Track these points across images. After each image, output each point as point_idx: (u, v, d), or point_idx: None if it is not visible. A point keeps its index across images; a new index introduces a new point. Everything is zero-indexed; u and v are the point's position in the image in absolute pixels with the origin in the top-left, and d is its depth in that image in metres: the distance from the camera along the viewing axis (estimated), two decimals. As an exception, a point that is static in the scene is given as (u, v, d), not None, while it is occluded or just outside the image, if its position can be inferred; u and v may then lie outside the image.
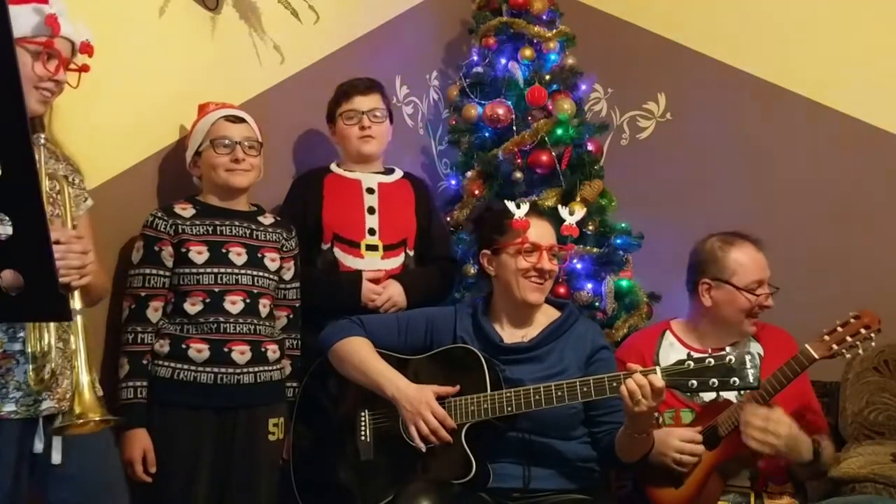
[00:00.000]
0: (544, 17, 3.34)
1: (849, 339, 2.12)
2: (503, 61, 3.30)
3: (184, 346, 2.20)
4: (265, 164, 2.79)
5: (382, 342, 2.30)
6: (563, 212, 2.50)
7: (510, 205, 2.30)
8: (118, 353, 2.20)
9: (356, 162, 2.75)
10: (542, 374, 2.19)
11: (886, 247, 3.21)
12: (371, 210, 2.68)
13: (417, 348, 2.31)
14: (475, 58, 3.40)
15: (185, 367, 2.19)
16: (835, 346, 2.12)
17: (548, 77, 3.25)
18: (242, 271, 2.28)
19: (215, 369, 2.20)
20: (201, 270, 2.24)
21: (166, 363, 2.20)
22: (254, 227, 2.35)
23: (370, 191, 2.71)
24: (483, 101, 3.28)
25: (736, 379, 1.87)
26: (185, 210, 2.30)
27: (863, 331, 2.12)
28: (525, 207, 2.30)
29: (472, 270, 3.16)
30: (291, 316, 2.44)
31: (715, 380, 1.89)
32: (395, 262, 2.69)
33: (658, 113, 3.73)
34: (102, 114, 2.28)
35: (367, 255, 2.64)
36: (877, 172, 3.27)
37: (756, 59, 3.50)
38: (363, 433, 2.25)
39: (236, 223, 2.32)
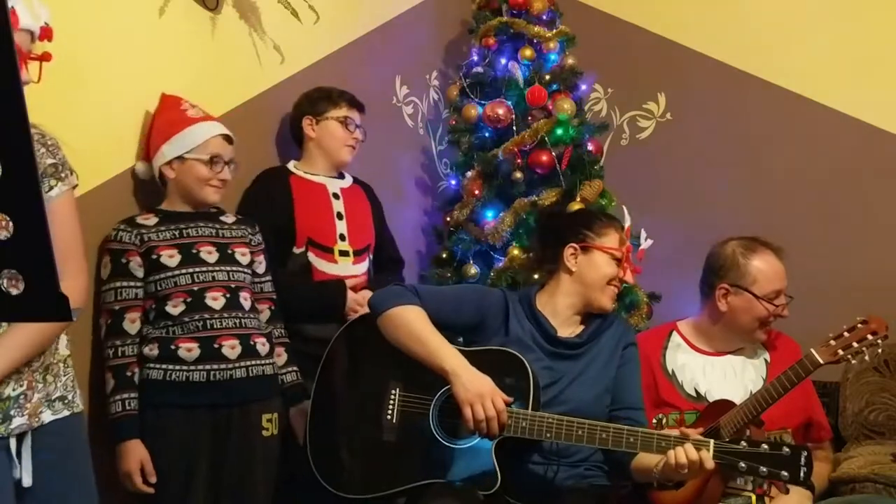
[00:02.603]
0: (544, 17, 3.35)
1: (855, 344, 2.11)
2: (503, 61, 3.31)
3: (173, 346, 2.18)
4: (265, 165, 2.80)
5: (434, 314, 2.21)
6: (642, 235, 2.57)
7: (624, 210, 2.33)
8: (102, 369, 2.17)
9: (330, 166, 2.77)
10: (580, 368, 2.20)
11: (886, 247, 3.21)
12: (339, 216, 2.71)
13: (467, 326, 2.26)
14: (475, 58, 3.41)
15: (177, 367, 2.18)
16: (840, 352, 2.11)
17: (548, 77, 3.25)
18: (217, 268, 2.26)
19: (207, 366, 2.19)
20: (176, 272, 2.21)
21: (157, 365, 2.18)
22: (218, 226, 2.34)
23: (335, 196, 2.74)
24: (483, 101, 3.28)
25: (786, 473, 1.83)
26: (148, 220, 2.26)
27: (870, 337, 2.11)
28: (629, 217, 2.32)
29: (474, 270, 3.16)
30: (273, 307, 2.43)
31: (765, 469, 1.84)
32: (363, 268, 2.73)
33: (658, 113, 3.73)
34: (101, 114, 2.28)
35: (340, 260, 2.67)
36: (877, 172, 3.27)
37: (756, 59, 3.50)
38: (390, 412, 2.18)
39: (201, 224, 2.30)
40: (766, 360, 2.36)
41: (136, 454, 2.12)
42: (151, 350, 2.19)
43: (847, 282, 3.18)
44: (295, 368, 2.44)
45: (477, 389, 2.03)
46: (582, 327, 2.28)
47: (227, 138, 2.35)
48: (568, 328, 2.28)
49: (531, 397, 2.06)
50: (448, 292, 2.35)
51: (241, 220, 2.43)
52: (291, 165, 2.78)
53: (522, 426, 2.03)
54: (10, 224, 0.78)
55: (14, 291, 0.79)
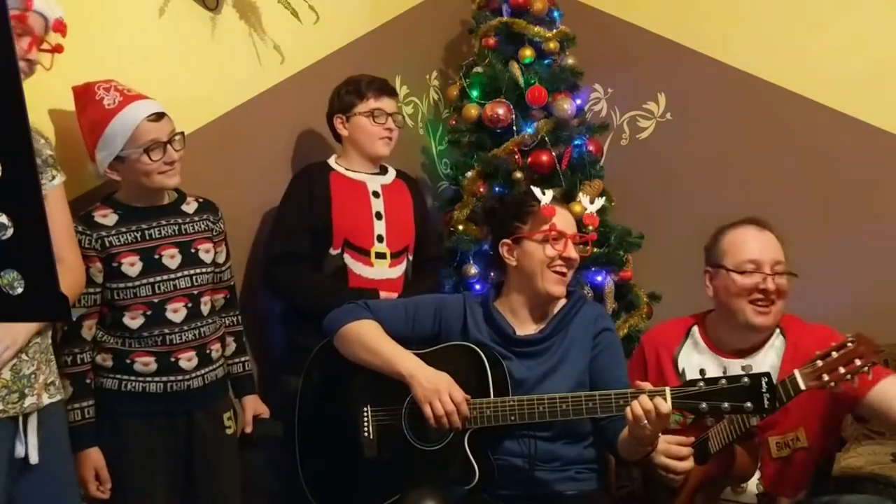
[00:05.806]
0: (544, 17, 3.35)
1: (841, 369, 1.92)
2: (503, 61, 3.31)
3: (128, 360, 2.12)
4: (265, 165, 2.79)
5: (390, 327, 2.23)
6: (584, 200, 2.48)
7: (536, 191, 2.24)
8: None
9: (368, 161, 2.72)
10: (551, 363, 2.17)
11: (886, 245, 3.21)
12: (378, 216, 2.66)
13: (425, 336, 2.25)
14: (475, 58, 3.41)
15: (132, 378, 2.13)
16: (825, 377, 1.93)
17: (548, 77, 3.25)
18: (179, 274, 2.17)
19: (164, 378, 2.15)
20: (137, 283, 2.11)
21: (111, 375, 2.13)
22: (181, 220, 2.21)
23: (376, 194, 2.69)
24: (483, 101, 3.28)
25: (750, 404, 1.77)
26: (107, 217, 2.12)
27: (857, 361, 1.92)
28: (550, 194, 2.24)
29: (474, 270, 3.16)
30: (228, 296, 2.38)
31: (727, 404, 1.78)
32: (400, 270, 2.68)
33: (658, 113, 3.73)
34: (102, 114, 2.27)
35: (376, 263, 2.63)
36: (877, 172, 3.27)
37: (756, 59, 3.50)
38: (366, 430, 2.21)
39: (163, 222, 2.18)
40: (780, 355, 2.16)
41: (91, 462, 2.08)
42: (105, 361, 2.13)
43: (844, 277, 3.18)
44: (245, 359, 2.39)
45: (433, 386, 2.05)
46: (544, 324, 2.24)
47: (157, 116, 2.11)
48: (528, 325, 2.24)
49: (490, 384, 2.08)
50: (403, 305, 2.31)
51: (203, 205, 2.29)
52: (332, 160, 2.72)
53: (487, 414, 2.05)
54: (10, 224, 0.79)
55: (14, 292, 0.80)
